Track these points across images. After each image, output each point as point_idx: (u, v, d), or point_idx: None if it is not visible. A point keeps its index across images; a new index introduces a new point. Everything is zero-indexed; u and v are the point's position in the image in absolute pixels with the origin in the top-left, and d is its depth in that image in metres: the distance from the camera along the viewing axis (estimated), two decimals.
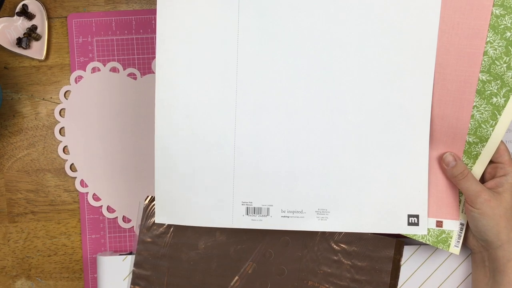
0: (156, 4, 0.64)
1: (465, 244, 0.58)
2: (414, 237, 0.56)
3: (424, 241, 0.56)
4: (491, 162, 0.55)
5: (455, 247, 0.56)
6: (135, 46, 0.64)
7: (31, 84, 0.65)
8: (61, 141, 0.65)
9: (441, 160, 0.55)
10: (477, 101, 0.53)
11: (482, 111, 0.54)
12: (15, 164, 0.65)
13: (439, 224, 0.56)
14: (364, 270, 0.59)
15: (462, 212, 0.56)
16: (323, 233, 0.60)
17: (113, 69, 0.65)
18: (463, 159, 0.55)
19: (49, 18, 0.64)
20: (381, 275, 0.59)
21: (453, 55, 0.53)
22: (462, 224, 0.56)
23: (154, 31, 0.64)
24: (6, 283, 0.64)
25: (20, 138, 0.65)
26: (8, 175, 0.65)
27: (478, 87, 0.53)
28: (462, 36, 0.52)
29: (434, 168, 0.56)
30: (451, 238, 0.56)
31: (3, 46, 0.64)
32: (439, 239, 0.56)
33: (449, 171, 0.54)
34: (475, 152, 0.55)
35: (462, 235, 0.56)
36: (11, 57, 0.65)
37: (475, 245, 0.56)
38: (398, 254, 0.59)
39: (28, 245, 0.64)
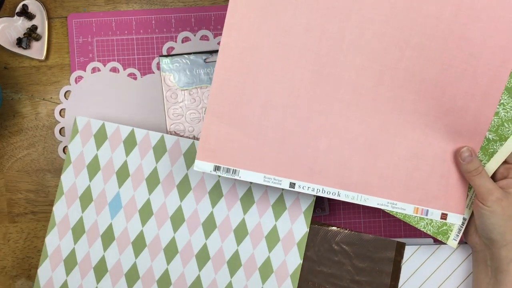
0: (157, 5, 0.64)
1: (466, 242, 0.58)
2: (416, 225, 0.56)
3: (425, 231, 0.56)
4: (504, 162, 0.55)
5: (453, 240, 0.56)
6: (135, 46, 0.64)
7: (31, 84, 0.65)
8: (61, 141, 0.64)
9: (457, 153, 0.55)
10: (505, 99, 0.53)
11: (508, 109, 0.53)
12: (15, 164, 0.65)
13: (444, 216, 0.56)
14: (364, 271, 0.59)
15: (467, 207, 0.56)
16: (325, 233, 0.60)
17: (113, 69, 0.64)
18: (478, 155, 0.55)
19: (49, 18, 0.64)
20: (381, 276, 0.59)
21: (488, 47, 0.52)
22: (464, 219, 0.56)
23: (154, 31, 0.64)
24: (6, 283, 0.64)
25: (20, 138, 0.65)
26: (8, 175, 0.65)
27: (509, 84, 0.53)
28: (500, 29, 0.52)
29: (448, 161, 0.56)
30: (451, 231, 0.56)
31: (3, 46, 0.63)
32: (439, 230, 0.56)
33: (464, 166, 0.54)
34: (492, 150, 0.55)
35: (463, 229, 0.56)
36: (11, 57, 0.65)
37: (478, 243, 0.56)
38: (399, 255, 0.59)
39: (28, 245, 0.64)
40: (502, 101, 0.53)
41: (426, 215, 0.56)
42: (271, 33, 0.53)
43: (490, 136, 0.54)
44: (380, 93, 0.54)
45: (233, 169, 0.55)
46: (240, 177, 0.55)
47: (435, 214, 0.56)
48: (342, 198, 0.56)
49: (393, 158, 0.55)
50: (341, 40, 0.53)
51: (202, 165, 0.55)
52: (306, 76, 0.54)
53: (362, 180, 0.56)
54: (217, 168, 0.55)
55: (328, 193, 0.56)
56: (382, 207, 0.56)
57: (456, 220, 0.56)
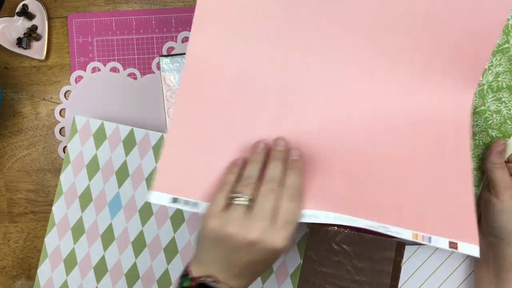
0: (157, 4, 0.64)
1: None
2: None
3: None
4: (506, 161, 0.55)
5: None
6: (135, 46, 0.64)
7: (31, 84, 0.65)
8: (61, 141, 0.65)
9: (491, 145, 0.54)
10: (506, 97, 0.53)
11: (510, 107, 0.53)
12: (15, 164, 0.65)
13: (453, 245, 0.47)
14: (364, 271, 0.59)
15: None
16: (325, 233, 0.60)
17: (113, 69, 0.64)
18: (480, 151, 0.55)
19: (49, 18, 0.64)
20: (381, 276, 0.59)
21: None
22: None
23: (154, 31, 0.64)
24: (6, 283, 0.64)
25: (20, 138, 0.65)
26: (8, 175, 0.65)
27: (510, 83, 0.53)
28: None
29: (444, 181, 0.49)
30: None
31: (3, 46, 0.63)
32: None
33: (493, 158, 0.53)
34: None
35: None
36: (11, 57, 0.65)
37: (481, 242, 0.56)
38: (399, 255, 0.59)
39: (28, 245, 0.64)
40: (504, 99, 0.53)
41: (430, 242, 0.48)
42: (233, 63, 0.51)
43: (493, 133, 0.54)
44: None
45: (193, 202, 0.50)
46: (202, 209, 0.50)
47: (442, 243, 0.47)
48: (322, 220, 0.49)
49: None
50: (307, 70, 0.52)
51: (158, 197, 0.50)
52: (271, 108, 0.52)
53: (344, 198, 0.50)
54: (175, 200, 0.50)
55: (309, 216, 0.49)
56: (373, 229, 0.49)
57: (472, 251, 0.47)
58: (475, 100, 0.53)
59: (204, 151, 0.51)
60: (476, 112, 0.54)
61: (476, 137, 0.55)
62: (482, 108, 0.53)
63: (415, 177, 0.50)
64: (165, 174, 0.51)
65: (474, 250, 0.47)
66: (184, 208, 0.50)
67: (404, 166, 0.50)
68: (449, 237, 0.47)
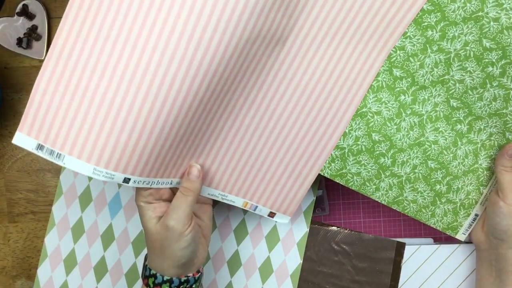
0: None
1: (466, 242, 0.58)
2: (427, 222, 0.56)
3: (435, 227, 0.56)
4: None
5: (462, 234, 0.57)
6: None
7: (31, 84, 0.65)
8: None
9: (504, 148, 0.55)
10: (473, 67, 0.53)
11: (474, 77, 0.53)
12: (15, 164, 0.65)
13: (271, 215, 0.56)
14: (364, 271, 0.59)
15: (481, 204, 0.56)
16: (325, 233, 0.60)
17: None
18: (493, 151, 0.55)
19: (49, 18, 0.64)
20: (381, 276, 0.59)
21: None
22: (476, 215, 0.56)
23: None
24: (6, 283, 0.64)
25: None
26: (8, 175, 0.65)
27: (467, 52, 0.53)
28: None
29: (285, 162, 0.54)
30: (461, 226, 0.56)
31: (3, 46, 0.63)
32: (449, 226, 0.56)
33: (504, 161, 0.54)
34: (455, 118, 0.55)
35: (473, 225, 0.56)
36: (11, 57, 0.65)
37: (483, 242, 0.56)
38: (399, 255, 0.59)
39: (28, 245, 0.64)
40: (469, 69, 0.53)
41: (255, 210, 0.55)
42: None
43: (510, 136, 0.54)
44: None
45: (57, 153, 0.44)
46: (64, 163, 0.44)
47: (263, 211, 0.55)
48: (174, 185, 0.49)
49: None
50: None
51: (23, 140, 0.44)
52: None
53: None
54: (40, 147, 0.44)
55: (164, 183, 0.48)
56: (213, 197, 0.54)
57: (282, 219, 0.56)
58: (500, 102, 0.54)
59: (79, 98, 0.43)
60: (497, 114, 0.54)
61: (492, 138, 0.55)
62: (504, 111, 0.54)
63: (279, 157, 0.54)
64: (34, 114, 0.44)
65: (285, 219, 0.56)
66: (48, 158, 0.44)
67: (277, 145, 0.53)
68: (271, 209, 0.55)
